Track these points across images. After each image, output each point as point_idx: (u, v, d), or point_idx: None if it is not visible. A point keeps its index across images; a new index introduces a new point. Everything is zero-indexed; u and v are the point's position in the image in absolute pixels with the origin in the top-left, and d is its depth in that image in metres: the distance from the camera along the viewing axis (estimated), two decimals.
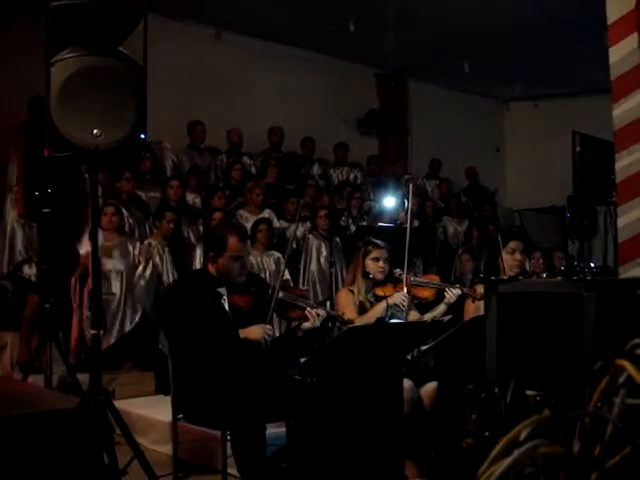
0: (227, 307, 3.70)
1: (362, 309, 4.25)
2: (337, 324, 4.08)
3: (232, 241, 3.64)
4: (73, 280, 5.73)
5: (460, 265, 7.59)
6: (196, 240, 6.73)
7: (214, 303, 3.65)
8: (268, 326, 3.68)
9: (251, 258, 6.22)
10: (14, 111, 5.96)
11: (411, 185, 4.94)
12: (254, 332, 3.63)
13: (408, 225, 4.50)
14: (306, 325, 3.83)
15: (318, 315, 3.82)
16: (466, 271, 7.35)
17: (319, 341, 3.82)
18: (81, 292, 5.70)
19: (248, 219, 7.07)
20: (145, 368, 5.99)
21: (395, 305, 4.17)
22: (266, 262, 6.62)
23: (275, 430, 3.94)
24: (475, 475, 1.18)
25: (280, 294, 3.83)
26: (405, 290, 4.24)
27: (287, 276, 6.70)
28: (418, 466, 3.74)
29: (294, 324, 4.00)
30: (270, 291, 3.85)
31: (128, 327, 5.92)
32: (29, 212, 5.01)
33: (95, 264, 3.29)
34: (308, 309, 3.85)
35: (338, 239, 7.24)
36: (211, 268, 3.72)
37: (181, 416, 3.61)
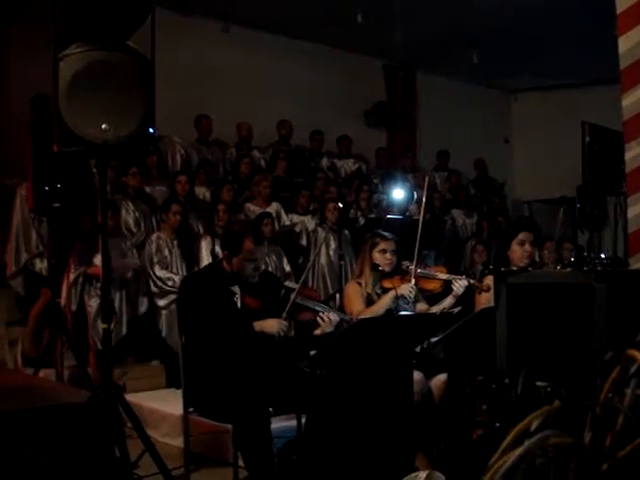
0: (239, 306, 3.75)
1: (370, 301, 4.22)
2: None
3: (248, 244, 3.72)
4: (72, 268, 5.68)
5: (475, 256, 7.57)
6: (204, 233, 6.74)
7: (227, 299, 3.71)
8: (284, 322, 3.71)
9: None
10: (21, 107, 5.97)
11: (427, 178, 4.92)
12: (270, 325, 3.68)
13: (421, 217, 4.44)
14: (317, 332, 3.86)
15: (330, 320, 3.83)
16: (479, 262, 7.34)
17: (329, 334, 3.82)
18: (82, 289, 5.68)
19: (256, 212, 7.08)
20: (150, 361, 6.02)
21: (402, 297, 4.15)
22: (270, 256, 6.61)
23: (285, 423, 3.96)
24: (486, 466, 1.18)
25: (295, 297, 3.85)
26: (413, 282, 4.21)
27: (288, 269, 6.71)
28: (429, 458, 3.73)
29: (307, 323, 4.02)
30: (283, 293, 3.89)
31: (124, 330, 5.91)
32: (39, 207, 5.03)
33: (105, 259, 3.30)
34: (320, 315, 3.86)
35: (347, 232, 7.23)
36: (226, 266, 3.80)
37: (192, 409, 3.64)
